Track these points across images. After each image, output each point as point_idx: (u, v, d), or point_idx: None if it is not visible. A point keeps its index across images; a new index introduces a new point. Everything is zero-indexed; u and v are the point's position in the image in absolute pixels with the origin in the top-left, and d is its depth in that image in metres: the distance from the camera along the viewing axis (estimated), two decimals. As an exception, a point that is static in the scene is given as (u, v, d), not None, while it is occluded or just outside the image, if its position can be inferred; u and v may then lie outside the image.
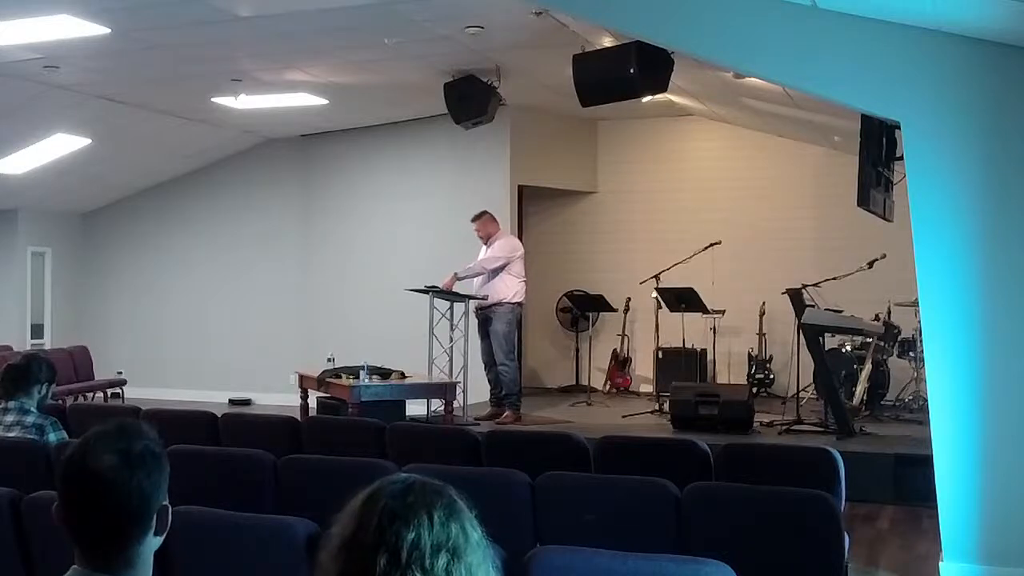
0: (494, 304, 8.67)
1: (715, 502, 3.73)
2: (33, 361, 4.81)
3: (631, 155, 11.57)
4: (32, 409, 4.63)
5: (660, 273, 9.54)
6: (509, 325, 8.71)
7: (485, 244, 8.95)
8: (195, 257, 12.53)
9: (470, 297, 8.74)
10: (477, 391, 9.10)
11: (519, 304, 8.80)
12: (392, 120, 11.19)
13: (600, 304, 11.19)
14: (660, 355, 10.21)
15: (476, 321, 8.88)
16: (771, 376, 10.48)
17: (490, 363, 8.85)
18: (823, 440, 7.43)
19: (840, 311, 8.56)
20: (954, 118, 4.89)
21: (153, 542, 1.74)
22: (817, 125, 9.03)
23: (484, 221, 8.98)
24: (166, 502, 1.76)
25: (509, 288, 8.73)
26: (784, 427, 8.18)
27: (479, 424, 8.26)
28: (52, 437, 4.59)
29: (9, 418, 4.58)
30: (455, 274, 8.72)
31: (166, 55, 8.16)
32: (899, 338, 9.13)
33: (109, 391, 11.46)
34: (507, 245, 8.91)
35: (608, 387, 11.27)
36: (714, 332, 10.35)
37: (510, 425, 8.38)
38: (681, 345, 10.06)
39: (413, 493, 1.28)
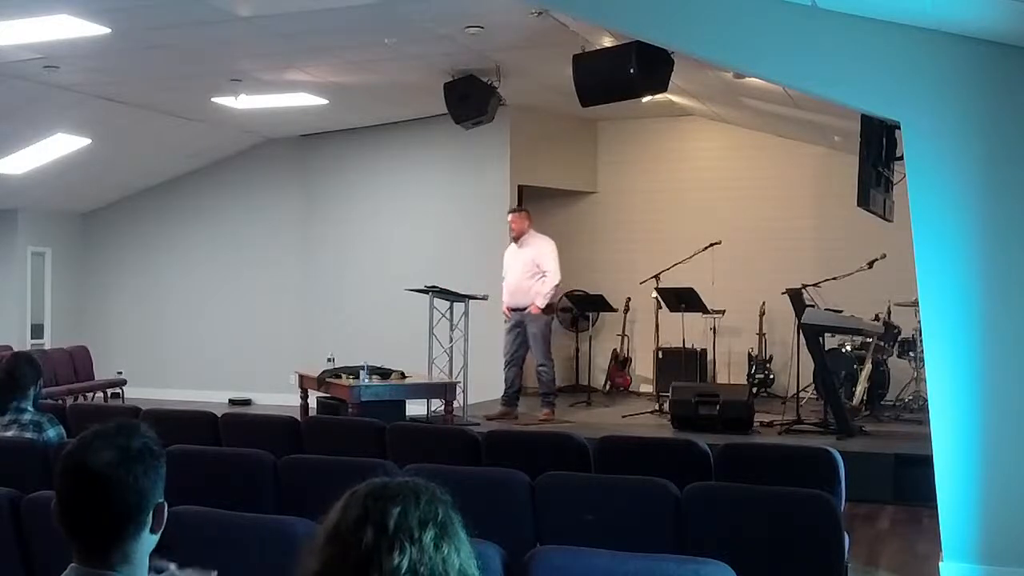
0: (530, 306, 8.65)
1: (715, 502, 3.73)
2: (17, 366, 4.66)
3: (631, 155, 11.57)
4: (28, 408, 4.63)
5: (660, 273, 9.54)
6: (546, 327, 8.75)
7: (515, 241, 8.86)
8: (195, 257, 12.54)
9: (470, 297, 8.74)
10: (477, 391, 9.10)
11: (552, 305, 8.80)
12: (392, 120, 11.19)
13: (600, 304, 11.19)
14: (660, 355, 10.21)
15: (510, 322, 8.84)
16: (771, 376, 10.48)
17: (512, 362, 8.83)
18: (823, 440, 7.43)
19: (840, 311, 8.56)
20: (954, 118, 4.89)
21: (149, 540, 1.75)
22: (817, 125, 9.03)
23: (524, 216, 8.91)
24: (162, 500, 1.76)
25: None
26: (784, 427, 8.18)
27: (479, 424, 8.26)
28: (51, 433, 4.59)
29: (6, 419, 4.59)
30: (536, 306, 8.59)
31: (166, 55, 8.16)
32: (899, 338, 9.14)
33: (109, 391, 11.46)
34: (553, 249, 8.79)
35: (608, 387, 11.27)
36: (714, 332, 10.35)
37: (514, 425, 8.38)
38: (681, 345, 10.06)
39: (395, 482, 1.28)
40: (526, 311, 8.67)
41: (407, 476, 1.33)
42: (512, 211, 9.03)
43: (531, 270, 8.70)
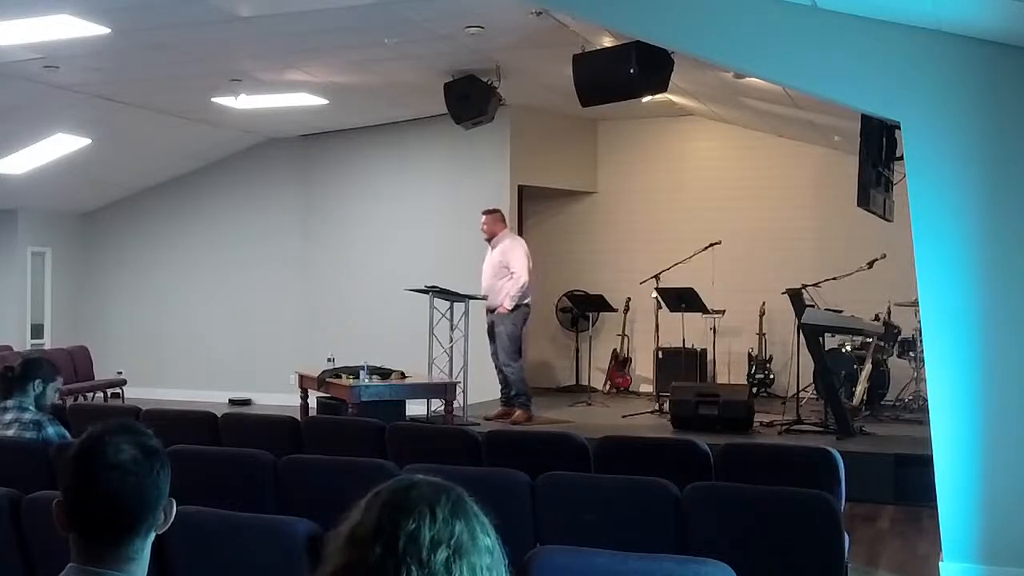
0: (499, 306, 8.64)
1: (715, 502, 3.73)
2: (29, 361, 4.90)
3: (631, 155, 11.58)
4: (30, 407, 4.69)
5: (660, 273, 9.54)
6: (513, 326, 8.65)
7: (488, 241, 8.84)
8: (195, 257, 12.54)
9: (470, 297, 8.73)
10: (477, 391, 9.10)
11: (525, 305, 8.74)
12: (392, 120, 11.19)
13: (600, 304, 11.19)
14: (660, 355, 10.21)
15: (485, 323, 8.86)
16: (771, 376, 10.48)
17: (499, 364, 8.83)
18: (823, 440, 7.43)
19: (840, 311, 8.56)
20: (954, 118, 4.89)
21: (152, 537, 1.75)
22: (817, 125, 9.04)
23: (496, 218, 8.88)
24: (171, 497, 1.78)
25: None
26: (784, 427, 8.18)
27: (479, 424, 8.26)
28: (50, 431, 4.64)
29: (7, 416, 4.66)
30: (505, 307, 8.54)
31: (166, 55, 8.16)
32: (899, 338, 9.14)
33: (109, 391, 11.45)
34: (521, 249, 8.73)
35: (608, 387, 11.27)
36: (714, 332, 10.35)
37: (512, 425, 8.38)
38: (681, 345, 10.05)
39: (418, 488, 1.24)
40: (496, 311, 8.66)
41: (428, 475, 1.30)
42: (484, 212, 8.95)
43: (499, 271, 8.65)
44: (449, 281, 9.01)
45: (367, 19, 7.20)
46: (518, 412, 8.70)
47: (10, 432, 4.60)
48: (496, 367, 8.83)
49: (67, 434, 4.71)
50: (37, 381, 4.73)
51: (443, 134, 10.54)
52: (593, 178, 11.79)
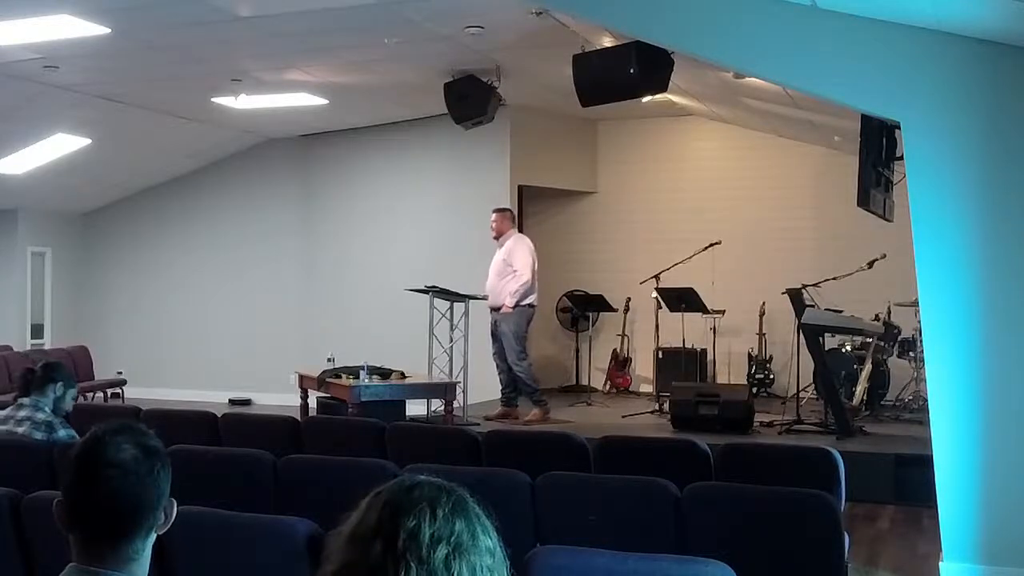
0: (502, 306, 8.64)
1: (715, 502, 3.73)
2: (51, 364, 5.02)
3: (631, 155, 11.57)
4: (45, 408, 4.76)
5: (660, 273, 9.54)
6: (516, 326, 8.65)
7: (496, 239, 8.85)
8: (195, 257, 12.54)
9: (470, 297, 8.73)
10: (477, 391, 9.10)
11: (528, 305, 8.71)
12: (392, 120, 11.19)
13: (600, 304, 11.20)
14: (660, 355, 10.21)
15: (486, 323, 8.85)
16: (771, 376, 10.48)
17: (501, 364, 8.82)
18: (823, 440, 7.43)
19: (840, 311, 8.56)
20: (954, 118, 4.90)
21: (152, 538, 1.76)
22: (817, 125, 9.04)
23: (505, 217, 8.91)
24: (172, 498, 1.78)
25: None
26: (784, 427, 8.18)
27: (479, 424, 8.26)
28: (62, 433, 4.71)
29: (21, 413, 4.74)
30: (507, 305, 8.56)
31: (166, 55, 8.16)
32: (899, 338, 9.13)
33: (109, 391, 11.45)
34: (526, 248, 8.75)
35: (608, 387, 11.27)
36: (714, 332, 10.35)
37: (514, 424, 8.38)
38: (681, 345, 10.05)
39: (419, 488, 1.25)
40: (499, 311, 8.66)
41: (431, 476, 1.30)
42: (495, 210, 8.99)
43: (504, 269, 8.66)
44: (449, 281, 9.01)
45: (367, 19, 7.20)
46: (535, 411, 8.69)
47: (20, 429, 4.65)
48: (498, 367, 8.83)
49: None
50: (59, 384, 4.82)
51: (443, 134, 10.54)
52: (593, 178, 11.79)
